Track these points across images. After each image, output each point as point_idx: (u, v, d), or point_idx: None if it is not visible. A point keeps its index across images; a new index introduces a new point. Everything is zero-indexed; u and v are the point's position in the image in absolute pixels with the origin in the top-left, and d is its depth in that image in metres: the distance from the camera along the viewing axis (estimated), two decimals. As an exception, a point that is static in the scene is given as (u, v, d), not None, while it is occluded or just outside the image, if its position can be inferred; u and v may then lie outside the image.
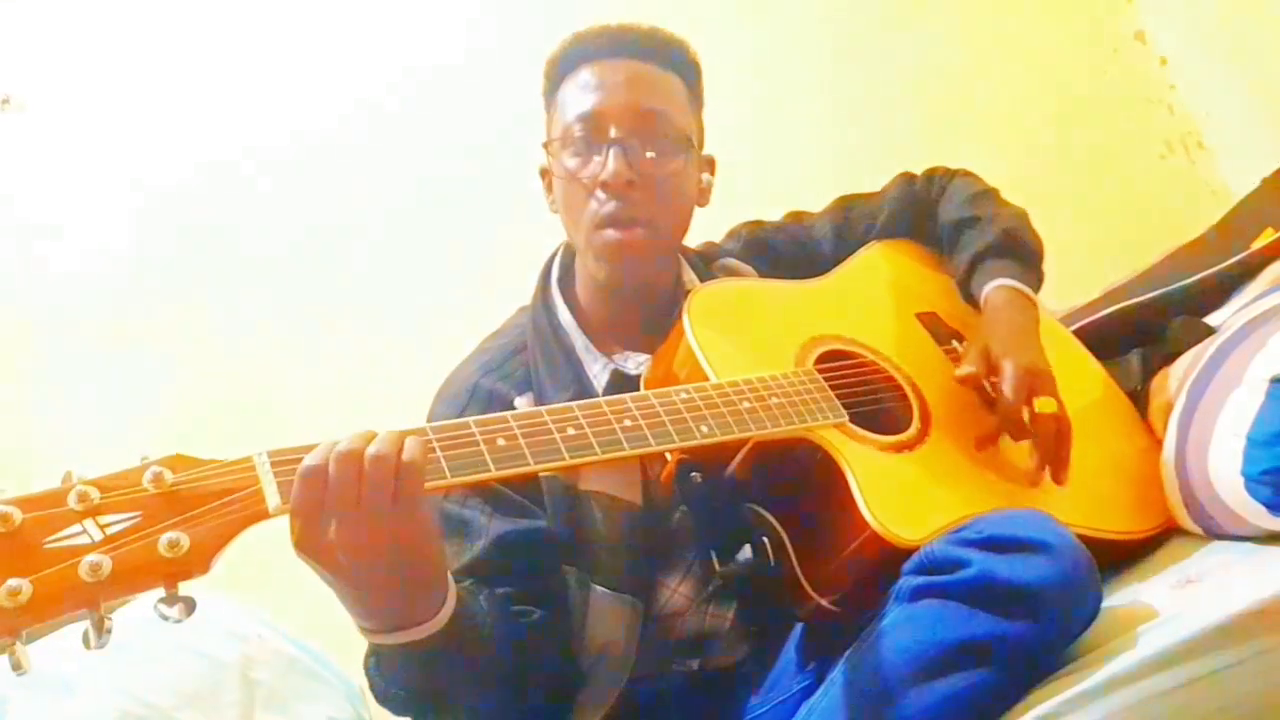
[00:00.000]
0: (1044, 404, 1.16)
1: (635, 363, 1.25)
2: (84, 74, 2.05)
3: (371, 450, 0.81)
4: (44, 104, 2.04)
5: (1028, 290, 1.30)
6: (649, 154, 1.21)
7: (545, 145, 1.27)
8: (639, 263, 1.22)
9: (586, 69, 1.24)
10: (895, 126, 2.30)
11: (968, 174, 1.48)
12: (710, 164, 1.33)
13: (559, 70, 1.27)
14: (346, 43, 2.16)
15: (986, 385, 1.20)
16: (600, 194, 1.19)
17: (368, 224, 2.13)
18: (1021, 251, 1.34)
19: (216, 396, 2.01)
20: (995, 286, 1.30)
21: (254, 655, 1.52)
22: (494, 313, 1.38)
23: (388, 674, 0.98)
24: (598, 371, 1.25)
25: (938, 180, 1.47)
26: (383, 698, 1.02)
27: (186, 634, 1.45)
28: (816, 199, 1.51)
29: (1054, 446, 1.16)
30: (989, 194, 1.44)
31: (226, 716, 1.42)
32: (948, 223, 1.40)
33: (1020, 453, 1.19)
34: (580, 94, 1.22)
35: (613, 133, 1.19)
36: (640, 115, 1.21)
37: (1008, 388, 1.15)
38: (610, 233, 1.20)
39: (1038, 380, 1.17)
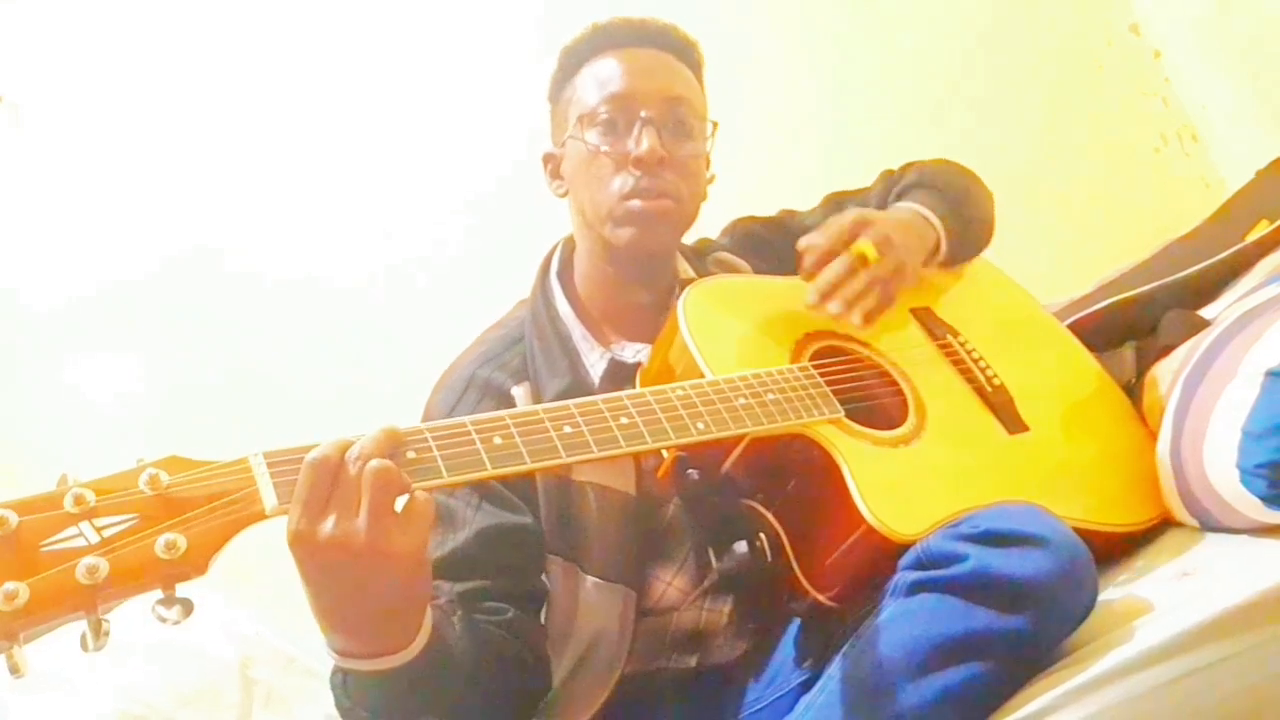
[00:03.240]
0: (863, 245, 1.17)
1: (633, 351, 1.26)
2: (83, 74, 2.04)
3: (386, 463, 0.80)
4: (40, 103, 2.03)
5: (931, 217, 1.32)
6: (676, 136, 1.25)
7: (553, 153, 1.30)
8: (661, 230, 1.25)
9: (611, 55, 1.27)
10: (888, 121, 2.30)
11: (936, 159, 1.48)
12: (707, 161, 1.34)
13: (575, 58, 1.29)
14: (333, 37, 2.16)
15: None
16: (631, 169, 1.22)
17: (366, 225, 2.13)
18: (939, 187, 1.36)
19: (211, 399, 2.01)
20: (899, 205, 1.34)
21: (253, 654, 1.52)
22: (493, 313, 1.38)
23: (354, 695, 0.96)
24: (595, 360, 1.26)
25: (907, 169, 1.47)
26: (346, 715, 1.00)
27: (185, 634, 1.46)
28: (808, 196, 1.51)
29: (849, 280, 1.16)
30: (938, 162, 1.45)
31: (226, 716, 1.43)
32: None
33: (1021, 450, 1.20)
34: (606, 78, 1.25)
35: (644, 113, 1.23)
36: (668, 99, 1.25)
37: (833, 223, 1.19)
38: (637, 202, 1.22)
39: (871, 229, 1.19)
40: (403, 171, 2.16)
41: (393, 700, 0.94)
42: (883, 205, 1.43)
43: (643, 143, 1.21)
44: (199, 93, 2.09)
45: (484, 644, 1.06)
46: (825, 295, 1.16)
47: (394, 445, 0.83)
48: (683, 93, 1.27)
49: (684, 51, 1.31)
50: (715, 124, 1.32)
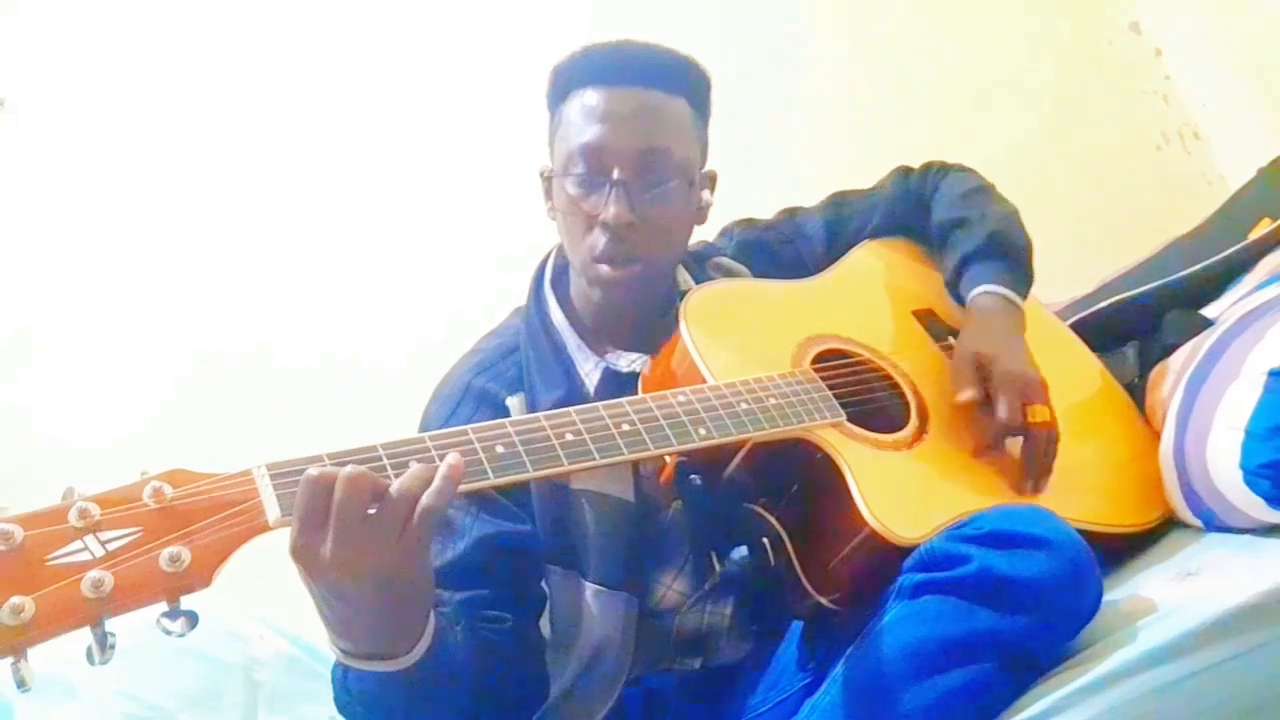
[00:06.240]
0: (1037, 413, 1.16)
1: (628, 360, 1.25)
2: (82, 76, 2.05)
3: (398, 486, 0.80)
4: (40, 105, 2.03)
5: (1012, 295, 1.31)
6: (649, 193, 1.19)
7: (547, 173, 1.26)
8: (631, 291, 1.23)
9: (594, 91, 1.20)
10: (890, 120, 2.30)
11: (963, 169, 1.47)
12: (712, 180, 1.31)
13: (565, 83, 1.24)
14: (329, 34, 2.16)
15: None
16: (599, 230, 1.19)
17: (367, 229, 2.13)
18: (1008, 253, 1.35)
19: (214, 410, 2.01)
20: (980, 292, 1.31)
21: (256, 656, 1.52)
22: (491, 316, 1.38)
23: (354, 691, 0.96)
24: (590, 370, 1.25)
25: (932, 177, 1.46)
26: (343, 709, 1.00)
27: (189, 636, 1.46)
28: (811, 194, 1.50)
29: (1041, 457, 1.17)
30: (981, 191, 1.44)
31: (229, 718, 1.43)
32: (939, 222, 1.41)
33: (1018, 448, 1.20)
34: (585, 121, 1.20)
35: (615, 174, 1.18)
36: (643, 154, 1.19)
37: (1003, 398, 1.16)
38: (606, 269, 1.20)
39: (1030, 388, 1.18)
40: (401, 174, 2.16)
41: (391, 700, 0.95)
42: (904, 206, 1.44)
43: (609, 209, 1.17)
44: (198, 95, 2.09)
45: (486, 651, 1.06)
46: (1040, 480, 1.17)
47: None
48: (661, 142, 1.20)
49: (675, 82, 1.23)
50: (706, 139, 1.28)
